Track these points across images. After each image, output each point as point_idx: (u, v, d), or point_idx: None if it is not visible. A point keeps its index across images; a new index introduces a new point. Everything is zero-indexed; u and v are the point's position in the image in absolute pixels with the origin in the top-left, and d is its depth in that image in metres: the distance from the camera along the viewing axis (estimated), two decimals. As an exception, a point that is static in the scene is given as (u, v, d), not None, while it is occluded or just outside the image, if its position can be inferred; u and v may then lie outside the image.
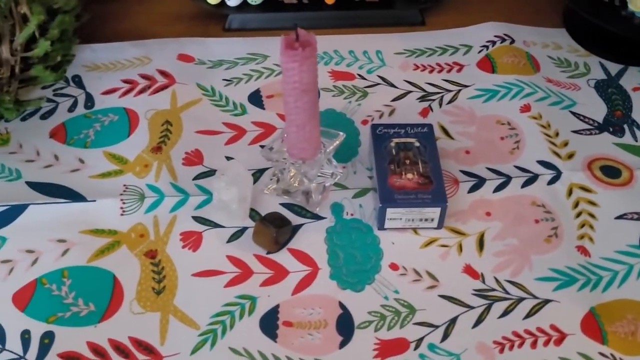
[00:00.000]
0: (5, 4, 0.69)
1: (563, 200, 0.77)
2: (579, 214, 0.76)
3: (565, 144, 0.82)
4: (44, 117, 0.84)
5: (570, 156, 0.81)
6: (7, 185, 0.77)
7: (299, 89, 0.67)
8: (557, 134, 0.83)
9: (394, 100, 0.88)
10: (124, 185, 0.77)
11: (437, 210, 0.72)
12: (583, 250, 0.73)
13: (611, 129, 0.85)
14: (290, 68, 0.66)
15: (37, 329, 0.66)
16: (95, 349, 0.65)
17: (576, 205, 0.77)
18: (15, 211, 0.75)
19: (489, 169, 0.80)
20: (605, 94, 0.89)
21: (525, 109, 0.86)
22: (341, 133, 0.75)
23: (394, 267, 0.72)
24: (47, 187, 0.77)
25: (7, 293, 0.69)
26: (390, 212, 0.73)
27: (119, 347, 0.65)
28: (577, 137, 0.83)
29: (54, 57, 0.77)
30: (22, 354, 0.65)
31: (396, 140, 0.77)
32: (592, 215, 0.76)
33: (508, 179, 0.79)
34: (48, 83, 0.83)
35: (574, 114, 0.86)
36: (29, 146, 0.81)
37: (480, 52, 0.94)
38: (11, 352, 0.65)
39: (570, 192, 0.78)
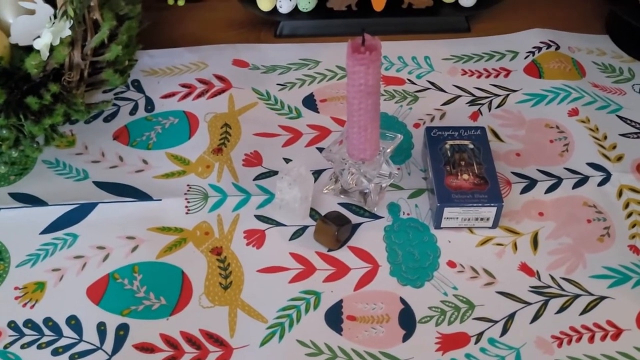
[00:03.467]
0: (80, 10, 0.72)
1: (614, 201, 0.79)
2: (629, 214, 0.78)
3: (614, 147, 0.84)
4: (106, 119, 0.88)
5: (619, 158, 0.83)
6: (75, 185, 0.80)
7: (364, 91, 0.70)
8: (605, 137, 0.85)
9: (444, 104, 0.90)
10: (188, 185, 0.80)
11: (493, 209, 0.75)
12: (635, 250, 0.75)
13: (658, 133, 0.87)
14: (356, 71, 0.69)
15: (112, 321, 0.69)
16: (168, 340, 0.68)
17: (627, 205, 0.79)
18: (85, 209, 0.78)
19: (539, 170, 0.82)
20: (650, 99, 0.91)
21: (573, 112, 0.88)
22: (399, 135, 0.78)
23: (451, 264, 0.74)
24: (114, 187, 0.80)
25: (81, 287, 0.72)
26: (448, 211, 0.75)
27: (190, 339, 0.68)
28: (624, 140, 0.85)
29: (122, 61, 0.80)
30: (99, 345, 0.68)
31: (450, 142, 0.80)
32: (643, 216, 0.78)
33: (559, 180, 0.81)
34: (115, 86, 0.86)
35: (620, 117, 0.88)
36: (94, 148, 0.84)
37: (526, 57, 0.96)
38: (89, 342, 0.68)
39: (620, 193, 0.80)
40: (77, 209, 0.78)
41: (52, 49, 0.73)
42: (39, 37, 0.72)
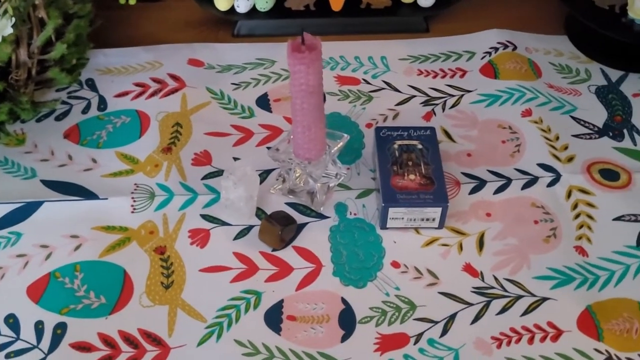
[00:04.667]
0: (24, 8, 0.72)
1: (562, 202, 0.79)
2: (577, 215, 0.78)
3: (566, 148, 0.84)
4: (58, 118, 0.87)
5: (570, 159, 0.83)
6: (22, 183, 0.80)
7: (306, 90, 0.70)
8: (557, 138, 0.85)
9: (398, 104, 0.90)
10: (135, 184, 0.80)
11: (439, 210, 0.75)
12: (581, 251, 0.75)
13: (611, 134, 0.86)
14: (297, 71, 0.68)
15: (51, 319, 0.69)
16: (106, 339, 0.68)
17: (575, 206, 0.79)
18: (31, 208, 0.77)
19: (490, 171, 0.82)
20: (605, 100, 0.91)
21: (527, 113, 0.88)
22: (345, 135, 0.78)
23: (395, 265, 0.74)
24: (61, 186, 0.80)
25: (21, 285, 0.71)
26: (393, 211, 0.75)
27: (128, 339, 0.68)
28: (577, 141, 0.85)
29: (70, 60, 0.80)
30: (35, 344, 0.67)
31: (399, 142, 0.80)
32: (590, 217, 0.78)
33: (508, 181, 0.81)
34: (63, 85, 0.85)
35: (574, 118, 0.88)
36: (44, 146, 0.84)
37: (483, 58, 0.96)
38: (25, 341, 0.67)
39: (569, 194, 0.80)
40: (22, 207, 0.77)
41: (-6, 46, 0.73)
42: (-20, 34, 0.72)
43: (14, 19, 0.71)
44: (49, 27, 0.75)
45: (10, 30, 0.72)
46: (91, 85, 0.92)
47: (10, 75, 0.78)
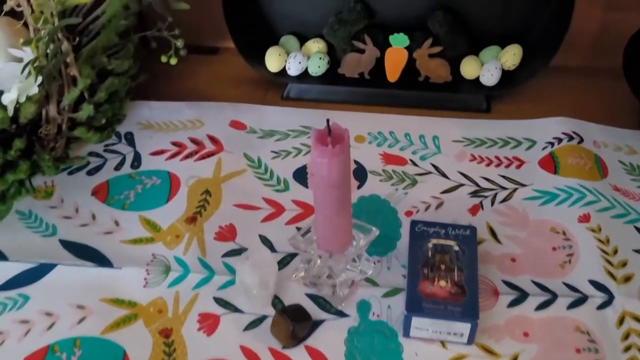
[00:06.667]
0: (53, 66, 0.70)
1: (612, 330, 0.70)
2: (628, 348, 0.69)
3: (624, 264, 0.75)
4: (90, 172, 0.85)
5: (627, 279, 0.74)
6: (41, 241, 0.78)
7: (327, 183, 0.64)
8: (615, 252, 0.76)
9: (443, 192, 0.83)
10: (153, 254, 0.76)
11: (467, 325, 0.67)
12: (627, 391, 0.66)
13: (679, 252, 0.77)
14: (319, 162, 0.63)
15: (40, 398, 0.66)
16: None
17: (626, 337, 0.70)
18: (44, 270, 0.75)
19: (534, 282, 0.74)
20: (678, 211, 0.81)
21: (584, 218, 0.79)
22: (375, 229, 0.72)
23: (413, 381, 0.67)
24: (79, 248, 0.77)
25: (19, 356, 0.68)
26: (416, 321, 0.68)
27: None
28: (638, 258, 0.76)
29: (99, 119, 0.78)
30: None
31: (434, 241, 0.73)
32: (643, 351, 0.69)
33: (554, 296, 0.73)
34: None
35: (638, 230, 0.79)
36: (70, 202, 0.82)
37: (544, 148, 0.88)
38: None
39: (621, 321, 0.71)
40: (35, 268, 0.75)
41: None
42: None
43: (40, 78, 0.69)
44: (78, 87, 0.73)
45: (35, 90, 0.70)
46: (129, 139, 0.89)
47: (39, 129, 0.76)
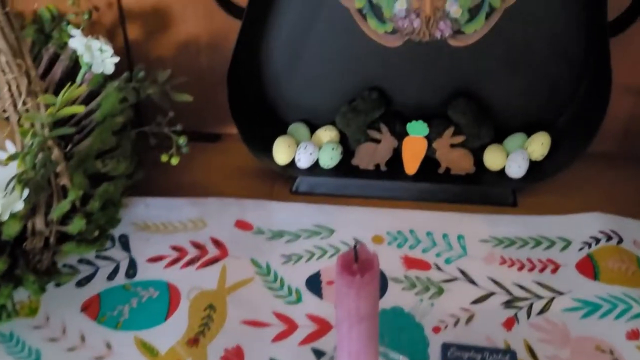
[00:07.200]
0: (42, 177, 0.62)
1: None
2: None
3: (682, 391, 0.67)
4: (80, 283, 0.76)
5: (688, 409, 0.66)
6: (21, 373, 0.69)
7: (355, 317, 0.56)
8: (672, 376, 0.68)
9: (473, 302, 0.75)
10: (149, 387, 0.68)
11: None
12: None
13: None
14: (345, 293, 0.55)
15: None
16: None
17: None
18: (24, 406, 0.66)
19: (582, 414, 0.66)
20: None
21: (633, 335, 0.71)
22: (402, 358, 0.63)
23: None
24: (64, 379, 0.68)
25: None
26: None
27: None
28: (697, 381, 0.68)
29: (91, 231, 0.70)
30: None
31: (470, 369, 0.65)
32: None
33: None
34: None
35: (694, 347, 0.71)
36: (57, 320, 0.73)
37: (581, 249, 0.80)
38: None
39: None
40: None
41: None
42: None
43: (27, 191, 0.61)
44: (67, 200, 0.65)
45: (20, 206, 0.62)
46: (124, 242, 0.81)
47: (24, 243, 0.68)
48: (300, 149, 0.87)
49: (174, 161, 0.75)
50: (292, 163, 0.88)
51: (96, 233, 0.70)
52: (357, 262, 0.55)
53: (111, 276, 0.78)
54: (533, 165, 0.87)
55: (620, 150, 0.94)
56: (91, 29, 0.92)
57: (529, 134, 0.88)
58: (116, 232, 0.82)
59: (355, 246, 0.55)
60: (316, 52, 0.86)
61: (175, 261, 0.79)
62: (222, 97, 0.84)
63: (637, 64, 0.89)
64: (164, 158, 0.76)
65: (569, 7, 0.79)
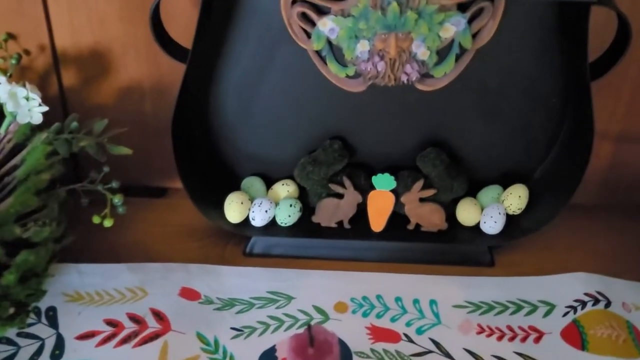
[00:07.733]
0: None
1: None
2: None
3: None
4: (-4, 367, 0.66)
5: None
6: None
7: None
8: None
9: (450, 380, 0.67)
10: None
11: None
12: None
13: None
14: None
15: None
16: None
17: None
18: None
19: None
20: None
21: (630, 416, 0.63)
22: None
23: None
24: None
25: None
26: None
27: None
28: None
29: (6, 309, 0.60)
30: None
31: None
32: None
33: None
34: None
35: None
36: (-32, 413, 0.63)
37: (565, 314, 0.72)
38: None
39: None
40: None
41: None
42: None
43: None
44: (-25, 278, 0.55)
45: None
46: (52, 317, 0.71)
47: None
48: (254, 206, 0.79)
49: (107, 223, 0.66)
50: (246, 221, 0.79)
51: (11, 310, 0.60)
52: (312, 345, 0.47)
53: (34, 358, 0.67)
54: (510, 220, 0.79)
55: (599, 201, 0.87)
56: (22, 75, 0.83)
57: (505, 186, 0.81)
58: (44, 303, 0.72)
59: (309, 327, 0.47)
60: (271, 98, 0.78)
61: (108, 338, 0.69)
62: (168, 147, 0.76)
63: (616, 108, 0.83)
64: (95, 220, 0.66)
65: (546, 49, 0.73)
